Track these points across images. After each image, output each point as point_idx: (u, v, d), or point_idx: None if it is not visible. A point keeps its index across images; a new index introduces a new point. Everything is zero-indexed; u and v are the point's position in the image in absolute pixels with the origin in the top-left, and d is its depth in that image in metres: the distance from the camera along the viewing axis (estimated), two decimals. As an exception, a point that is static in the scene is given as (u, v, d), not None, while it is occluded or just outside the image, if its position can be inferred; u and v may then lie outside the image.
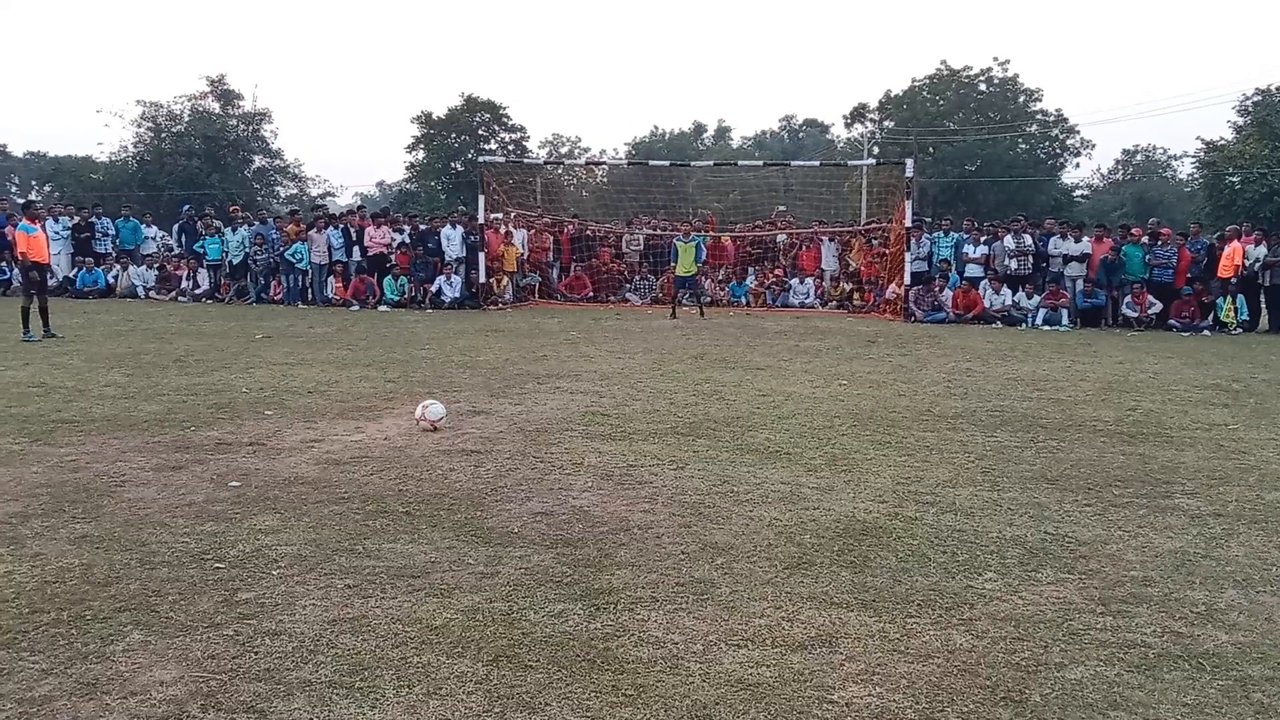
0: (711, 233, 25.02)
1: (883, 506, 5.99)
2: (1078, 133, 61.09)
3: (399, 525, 5.49)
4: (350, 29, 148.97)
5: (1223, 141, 47.42)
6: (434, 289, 22.10)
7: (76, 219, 25.01)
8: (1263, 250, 19.38)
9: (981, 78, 60.76)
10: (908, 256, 20.83)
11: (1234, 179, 44.16)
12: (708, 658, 3.86)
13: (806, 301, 23.36)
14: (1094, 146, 63.16)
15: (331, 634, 4.02)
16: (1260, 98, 48.20)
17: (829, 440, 7.94)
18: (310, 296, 22.85)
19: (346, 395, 9.68)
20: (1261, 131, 45.14)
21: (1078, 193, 64.37)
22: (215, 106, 59.40)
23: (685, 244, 20.72)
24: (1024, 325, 19.72)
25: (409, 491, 6.19)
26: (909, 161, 22.46)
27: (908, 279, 20.79)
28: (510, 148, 61.15)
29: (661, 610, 4.32)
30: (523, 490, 6.27)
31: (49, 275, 16.50)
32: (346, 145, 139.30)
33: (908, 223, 21.05)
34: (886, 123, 62.95)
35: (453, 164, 61.89)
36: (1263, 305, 19.86)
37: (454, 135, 62.38)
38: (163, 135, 57.96)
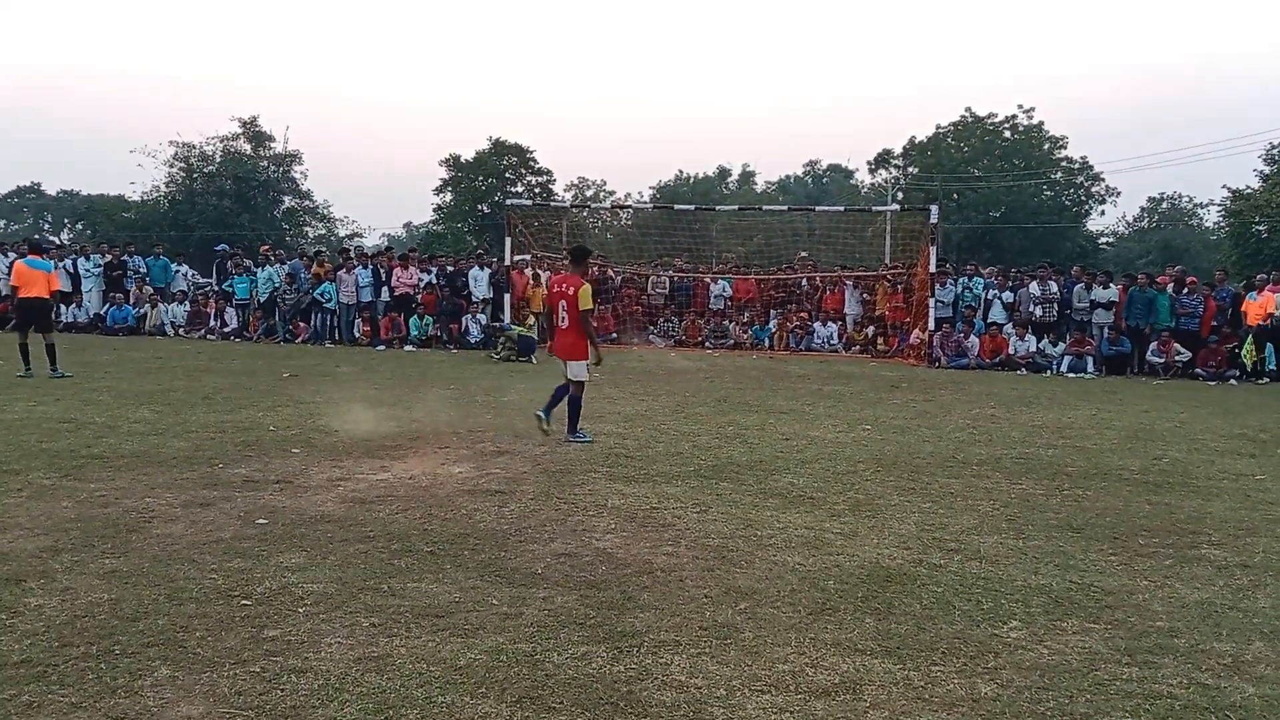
0: (738, 274, 25.12)
1: (907, 553, 5.98)
2: (1102, 180, 61.25)
3: (424, 564, 5.52)
4: (382, 73, 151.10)
5: (1249, 190, 47.20)
6: (462, 328, 22.54)
7: (109, 257, 25.45)
8: (1291, 300, 19.24)
9: (1006, 125, 61.08)
10: (931, 302, 20.87)
11: (1260, 227, 43.82)
12: (731, 703, 3.86)
13: (830, 345, 23.34)
14: (1119, 194, 63.10)
15: (356, 672, 4.04)
16: (1287, 147, 48.05)
17: (853, 485, 7.93)
18: (337, 336, 23.07)
19: (372, 434, 9.75)
20: (1288, 180, 44.91)
21: (1103, 240, 64.31)
22: (247, 148, 60.29)
23: None
24: (1049, 372, 19.64)
25: (434, 531, 6.23)
26: (933, 208, 22.57)
27: (931, 324, 20.81)
28: (536, 190, 61.81)
29: (685, 654, 4.32)
30: (546, 531, 6.30)
31: (55, 312, 16.12)
32: (375, 186, 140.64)
33: (932, 268, 21.12)
34: (911, 169, 63.26)
35: (480, 206, 62.54)
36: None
37: (481, 178, 63.09)
38: (194, 175, 58.84)
